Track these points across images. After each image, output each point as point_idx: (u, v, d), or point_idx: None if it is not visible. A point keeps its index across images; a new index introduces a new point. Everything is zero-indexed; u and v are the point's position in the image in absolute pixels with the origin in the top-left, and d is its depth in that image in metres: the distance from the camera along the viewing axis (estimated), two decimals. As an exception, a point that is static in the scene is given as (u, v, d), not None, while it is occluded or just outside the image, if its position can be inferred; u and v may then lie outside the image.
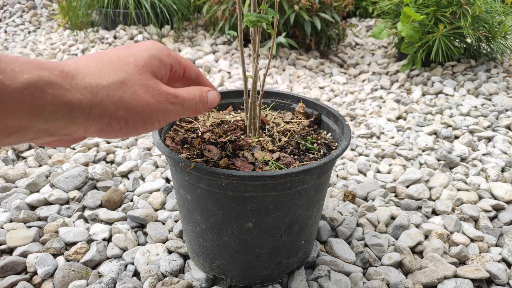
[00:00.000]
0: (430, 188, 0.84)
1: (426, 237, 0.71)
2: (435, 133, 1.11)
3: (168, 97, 0.32)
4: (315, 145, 0.55)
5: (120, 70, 0.30)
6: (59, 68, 0.26)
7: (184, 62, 0.37)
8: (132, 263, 0.63)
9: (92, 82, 0.27)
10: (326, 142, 0.57)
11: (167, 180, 0.85)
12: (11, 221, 0.70)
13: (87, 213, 0.73)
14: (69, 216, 0.73)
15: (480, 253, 0.67)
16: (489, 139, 1.07)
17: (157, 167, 0.90)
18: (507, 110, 1.23)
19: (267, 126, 0.57)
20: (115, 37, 1.89)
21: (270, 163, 0.49)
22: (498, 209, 0.78)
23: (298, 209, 0.50)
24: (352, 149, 1.02)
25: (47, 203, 0.75)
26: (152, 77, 0.32)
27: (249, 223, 0.49)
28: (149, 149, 0.98)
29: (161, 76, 0.33)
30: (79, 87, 0.26)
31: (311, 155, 0.52)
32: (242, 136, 0.54)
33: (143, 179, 0.86)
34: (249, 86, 0.52)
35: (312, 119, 0.62)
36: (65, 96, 0.25)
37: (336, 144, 0.57)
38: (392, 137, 1.07)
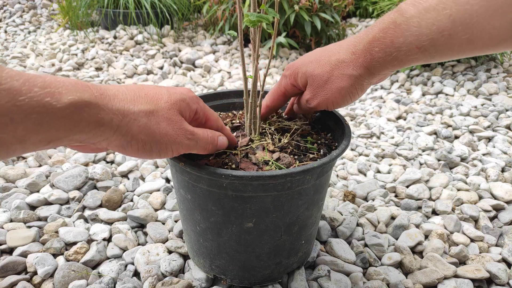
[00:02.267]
0: (430, 188, 0.84)
1: (426, 237, 0.71)
2: (435, 133, 1.11)
3: (186, 133, 0.38)
4: (315, 145, 0.55)
5: (152, 103, 0.36)
6: (101, 91, 0.32)
7: (209, 114, 0.44)
8: (132, 263, 0.63)
9: (125, 107, 0.34)
10: (326, 142, 0.57)
11: (167, 180, 0.85)
12: (11, 221, 0.70)
13: (87, 213, 0.73)
14: (69, 216, 0.73)
15: (480, 253, 0.67)
16: (489, 139, 1.07)
17: (157, 167, 0.90)
18: (507, 110, 1.23)
19: (266, 127, 0.57)
20: (115, 37, 1.89)
21: (270, 163, 0.49)
22: (498, 209, 0.78)
23: (298, 209, 0.50)
24: (352, 149, 1.02)
25: (47, 203, 0.75)
26: (177, 114, 0.38)
27: (249, 223, 0.49)
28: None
29: (185, 116, 0.40)
30: (113, 109, 0.32)
31: (311, 155, 0.52)
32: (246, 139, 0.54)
33: (143, 179, 0.86)
34: (249, 86, 0.52)
35: (307, 122, 0.61)
36: (98, 114, 0.31)
37: (336, 144, 0.57)
38: (392, 137, 1.07)
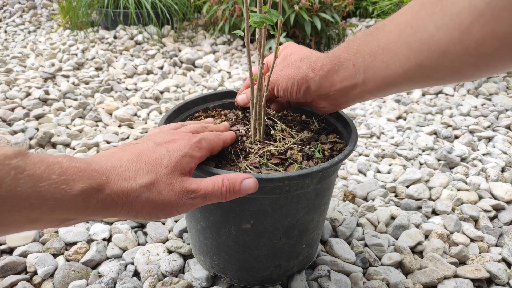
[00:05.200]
0: (430, 188, 0.84)
1: (426, 237, 0.71)
2: (435, 133, 1.11)
3: (188, 193, 0.38)
4: (324, 148, 0.54)
5: (152, 172, 0.37)
6: (107, 174, 0.35)
7: (213, 145, 0.45)
8: (132, 263, 0.63)
9: (127, 186, 0.35)
10: (336, 151, 0.54)
11: (167, 180, 0.85)
12: (11, 221, 0.70)
13: (87, 213, 0.73)
14: (69, 216, 0.73)
15: (480, 253, 0.67)
16: (489, 139, 1.07)
17: (157, 167, 0.90)
18: (507, 110, 1.23)
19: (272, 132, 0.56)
20: (115, 37, 1.89)
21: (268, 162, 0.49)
22: (498, 209, 0.78)
23: (298, 213, 0.50)
24: (352, 149, 1.02)
25: (47, 203, 0.75)
26: (178, 176, 0.39)
27: (247, 224, 0.49)
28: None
29: (189, 168, 0.41)
30: (117, 191, 0.35)
31: (315, 159, 0.51)
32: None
33: (143, 179, 0.86)
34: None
35: (311, 130, 0.60)
36: (105, 199, 0.34)
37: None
38: (392, 137, 1.07)
